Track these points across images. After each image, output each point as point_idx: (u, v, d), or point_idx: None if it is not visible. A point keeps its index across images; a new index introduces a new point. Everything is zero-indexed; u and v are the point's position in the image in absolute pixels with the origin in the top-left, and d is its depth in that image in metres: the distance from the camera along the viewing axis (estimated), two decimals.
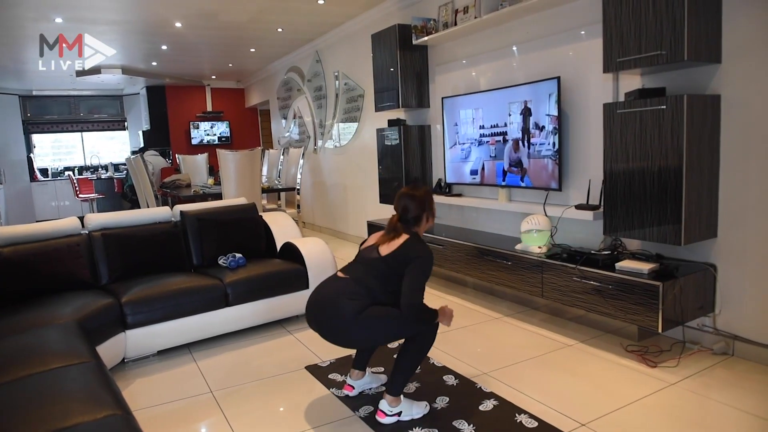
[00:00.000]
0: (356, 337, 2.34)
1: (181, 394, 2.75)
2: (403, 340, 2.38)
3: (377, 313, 2.24)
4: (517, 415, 2.35)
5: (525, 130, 3.75)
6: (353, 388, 2.60)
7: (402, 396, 2.37)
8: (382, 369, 2.85)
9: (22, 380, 1.91)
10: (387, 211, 5.51)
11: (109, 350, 2.90)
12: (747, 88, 2.67)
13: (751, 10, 2.62)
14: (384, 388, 2.47)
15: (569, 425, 2.26)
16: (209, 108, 10.82)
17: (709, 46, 2.69)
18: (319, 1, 5.31)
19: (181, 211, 3.91)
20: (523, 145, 3.77)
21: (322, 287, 2.41)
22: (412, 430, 2.26)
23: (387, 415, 2.33)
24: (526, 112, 3.71)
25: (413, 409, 2.36)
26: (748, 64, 2.65)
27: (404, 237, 2.33)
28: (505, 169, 3.95)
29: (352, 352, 2.71)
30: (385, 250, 2.33)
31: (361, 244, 2.55)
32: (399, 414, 2.33)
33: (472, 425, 2.28)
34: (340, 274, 2.44)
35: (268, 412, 2.54)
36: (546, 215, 3.56)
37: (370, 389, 2.65)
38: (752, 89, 2.65)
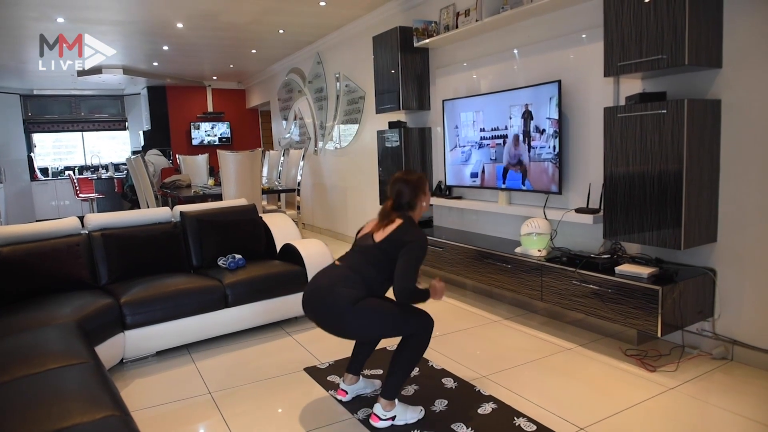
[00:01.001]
0: (351, 327, 2.31)
1: (179, 395, 2.75)
2: (397, 343, 2.37)
3: (373, 305, 2.25)
4: (515, 418, 2.34)
5: (525, 133, 3.75)
6: (346, 393, 2.58)
7: (396, 400, 2.36)
8: (381, 371, 2.85)
9: (21, 380, 1.91)
10: None
11: (108, 351, 2.90)
12: (747, 93, 2.67)
13: (752, 15, 2.62)
14: (378, 393, 2.47)
15: (568, 429, 2.26)
16: (210, 109, 10.83)
17: (709, 50, 2.69)
18: (320, 3, 5.32)
19: (181, 212, 3.91)
20: (523, 142, 3.77)
21: (319, 276, 2.42)
22: None
23: (381, 419, 2.32)
24: (527, 116, 3.72)
25: (408, 414, 2.35)
26: (749, 69, 2.66)
27: (398, 222, 2.34)
28: (506, 166, 3.95)
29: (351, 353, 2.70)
30: (379, 236, 2.34)
31: (358, 233, 2.55)
32: (393, 418, 2.32)
33: (470, 428, 2.27)
34: (337, 262, 2.45)
35: (266, 413, 2.54)
36: (546, 218, 3.56)
37: (365, 394, 2.64)
38: (752, 94, 2.65)
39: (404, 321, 2.29)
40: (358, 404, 2.54)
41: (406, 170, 2.52)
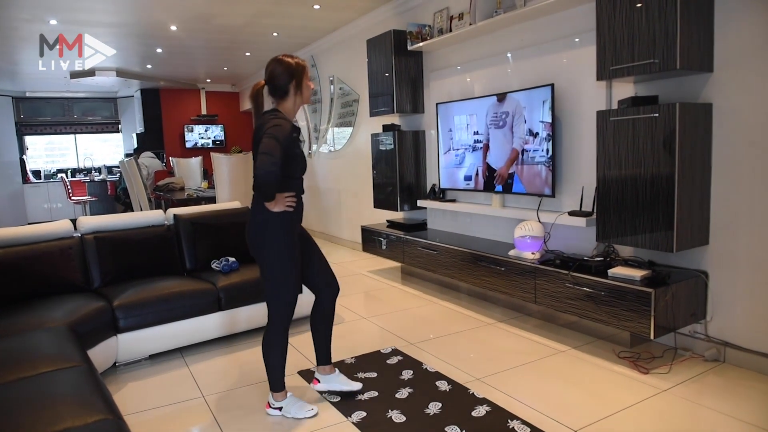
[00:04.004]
0: (259, 248, 2.40)
1: (172, 398, 2.73)
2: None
3: (277, 251, 2.39)
4: (509, 421, 2.35)
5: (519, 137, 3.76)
6: (319, 381, 2.65)
7: (290, 394, 2.51)
8: (375, 374, 2.85)
9: (12, 384, 1.89)
10: (382, 216, 5.53)
11: (101, 354, 2.88)
12: (738, 96, 2.70)
13: (743, 20, 2.65)
14: (356, 393, 2.64)
15: (561, 431, 2.27)
16: (204, 111, 10.80)
17: (701, 54, 2.72)
18: (314, 6, 5.33)
19: (174, 215, 3.90)
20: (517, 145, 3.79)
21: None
22: None
23: (271, 407, 2.50)
24: (521, 119, 3.73)
25: (293, 408, 2.46)
26: (740, 73, 2.68)
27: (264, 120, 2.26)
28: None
29: (347, 357, 2.70)
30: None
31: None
32: (280, 409, 2.47)
33: (464, 431, 2.28)
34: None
35: (260, 416, 2.52)
36: (539, 221, 3.58)
37: (341, 391, 2.65)
38: (743, 98, 2.68)
39: (279, 285, 2.37)
40: (352, 407, 2.53)
41: (285, 53, 2.39)
